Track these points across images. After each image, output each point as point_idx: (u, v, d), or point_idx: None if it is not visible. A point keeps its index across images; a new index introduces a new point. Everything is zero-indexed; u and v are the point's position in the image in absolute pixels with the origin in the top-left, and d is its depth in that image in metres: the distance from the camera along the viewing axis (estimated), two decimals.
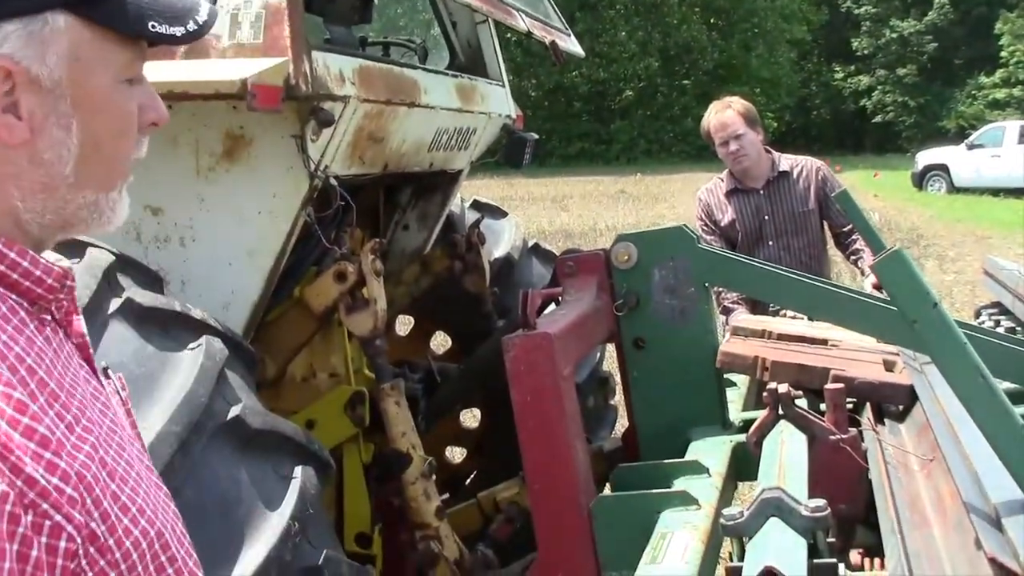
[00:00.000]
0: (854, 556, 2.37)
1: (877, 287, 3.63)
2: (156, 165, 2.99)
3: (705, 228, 5.30)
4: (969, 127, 41.76)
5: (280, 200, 2.99)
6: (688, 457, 2.76)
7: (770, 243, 5.17)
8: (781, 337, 3.38)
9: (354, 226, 3.40)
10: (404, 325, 4.95)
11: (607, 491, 2.89)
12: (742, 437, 2.83)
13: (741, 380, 3.44)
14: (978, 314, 3.74)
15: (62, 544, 0.98)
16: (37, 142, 1.12)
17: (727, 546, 2.77)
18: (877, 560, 2.27)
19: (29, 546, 0.95)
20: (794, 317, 3.73)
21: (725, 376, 3.23)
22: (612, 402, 4.66)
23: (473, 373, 4.02)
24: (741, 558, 2.01)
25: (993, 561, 1.44)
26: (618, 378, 3.48)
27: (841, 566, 2.02)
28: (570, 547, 2.60)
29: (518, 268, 4.54)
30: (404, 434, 3.29)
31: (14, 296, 1.11)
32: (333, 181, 3.04)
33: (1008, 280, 3.49)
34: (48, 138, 1.13)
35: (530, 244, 4.72)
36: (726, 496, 2.64)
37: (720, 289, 4.77)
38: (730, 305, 5.04)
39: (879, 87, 56.13)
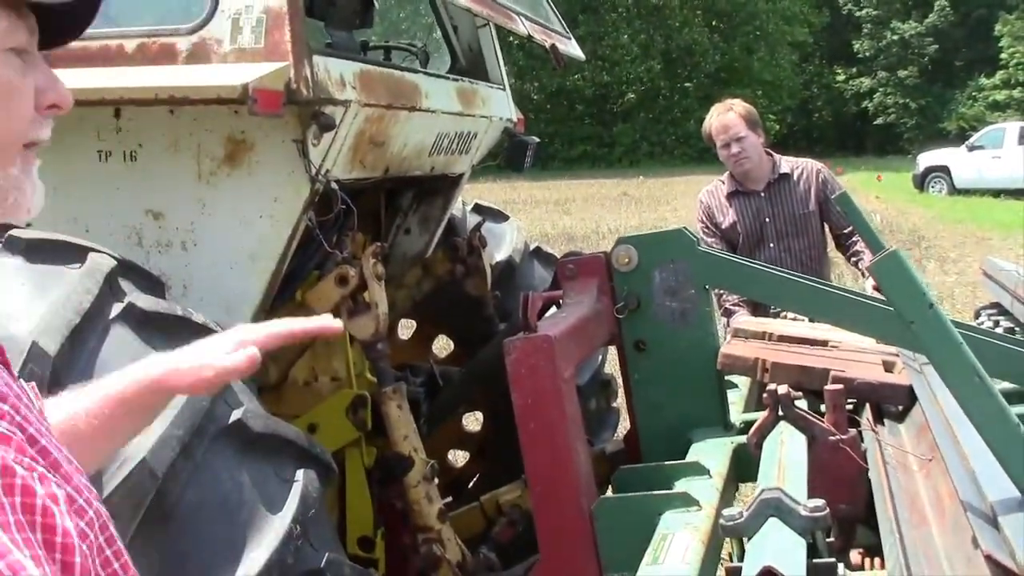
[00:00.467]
0: (854, 556, 2.38)
1: (878, 289, 3.64)
2: (157, 170, 3.02)
3: (706, 230, 5.31)
4: (970, 128, 41.76)
5: (281, 204, 3.00)
6: (689, 459, 2.77)
7: (771, 245, 5.18)
8: (781, 339, 3.39)
9: (355, 230, 3.41)
10: (406, 329, 4.96)
11: (609, 493, 2.90)
12: (743, 438, 2.84)
13: (742, 382, 3.44)
14: (977, 315, 3.75)
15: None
16: None
17: (727, 546, 2.79)
18: (877, 560, 2.28)
19: None
20: (794, 319, 3.74)
21: (726, 378, 3.24)
22: (614, 404, 4.67)
23: (475, 376, 4.03)
24: (741, 558, 2.02)
25: (989, 559, 1.45)
26: (620, 380, 3.49)
27: (840, 566, 2.03)
28: (572, 549, 2.61)
29: (519, 271, 4.55)
30: (406, 437, 3.30)
31: None
32: (334, 185, 3.05)
33: (1007, 281, 3.50)
34: None
35: (532, 247, 4.73)
36: (727, 497, 2.65)
37: (721, 291, 4.78)
38: (731, 307, 5.05)
39: (880, 89, 56.16)
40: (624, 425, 4.04)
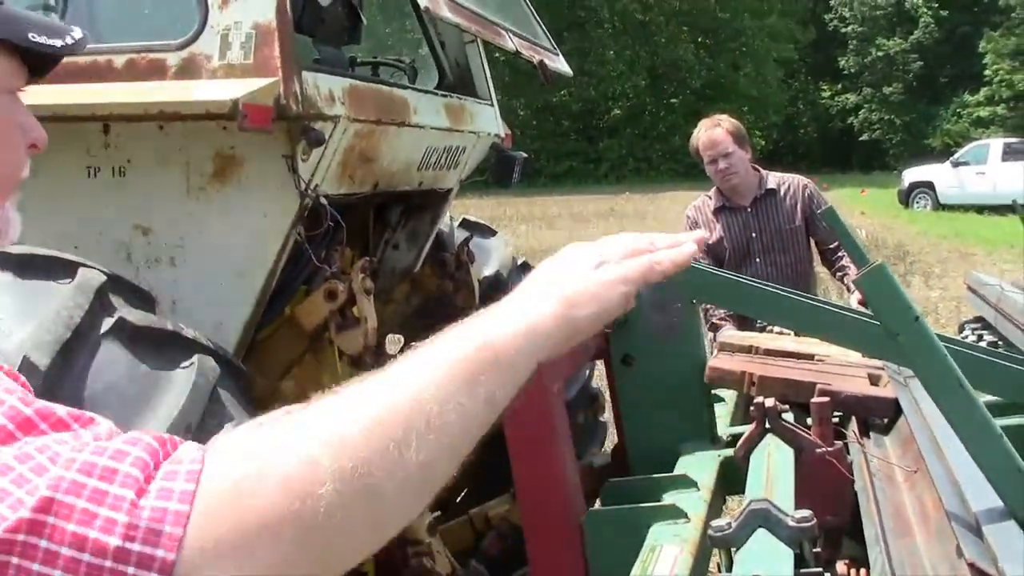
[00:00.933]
0: (840, 566, 2.39)
1: (863, 303, 3.66)
2: (147, 185, 3.03)
3: None
4: (954, 145, 41.97)
5: (270, 220, 3.02)
6: (677, 471, 2.78)
7: (757, 260, 5.21)
8: (768, 352, 3.41)
9: (344, 245, 3.42)
10: (394, 344, 4.96)
11: (598, 506, 2.91)
12: (730, 451, 2.85)
13: (729, 395, 3.46)
14: (961, 328, 3.77)
15: None
16: None
17: (716, 557, 2.79)
18: (863, 570, 2.29)
19: None
20: (781, 333, 3.76)
21: (713, 391, 3.26)
22: (602, 418, 4.69)
23: None
24: (729, 569, 2.03)
25: (973, 567, 1.47)
26: (607, 395, 3.50)
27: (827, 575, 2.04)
28: (561, 561, 2.61)
29: (508, 286, 4.55)
30: None
31: None
32: (323, 200, 3.07)
33: (990, 295, 3.52)
34: None
35: (519, 262, 4.75)
36: (715, 509, 2.66)
37: (708, 306, 4.80)
38: (718, 322, 5.07)
39: (865, 105, 56.46)
40: (612, 439, 4.05)
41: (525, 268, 4.74)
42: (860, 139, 56.42)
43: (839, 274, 5.29)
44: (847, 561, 2.40)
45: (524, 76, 42.09)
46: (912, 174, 32.30)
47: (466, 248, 4.15)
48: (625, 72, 53.10)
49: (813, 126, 59.78)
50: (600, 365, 3.50)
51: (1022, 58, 47.97)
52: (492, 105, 4.34)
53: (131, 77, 2.93)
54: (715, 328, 5.06)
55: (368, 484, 0.85)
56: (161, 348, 2.52)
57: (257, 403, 3.29)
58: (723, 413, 3.34)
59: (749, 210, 5.27)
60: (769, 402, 2.69)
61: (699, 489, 2.61)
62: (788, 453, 2.58)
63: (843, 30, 57.78)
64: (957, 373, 1.76)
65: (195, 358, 2.53)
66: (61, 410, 0.83)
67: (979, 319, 3.72)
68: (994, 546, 1.48)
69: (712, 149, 5.23)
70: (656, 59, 54.09)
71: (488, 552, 3.64)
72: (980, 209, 27.68)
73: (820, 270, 5.71)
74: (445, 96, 3.98)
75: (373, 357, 3.33)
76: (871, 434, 2.72)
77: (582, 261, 1.16)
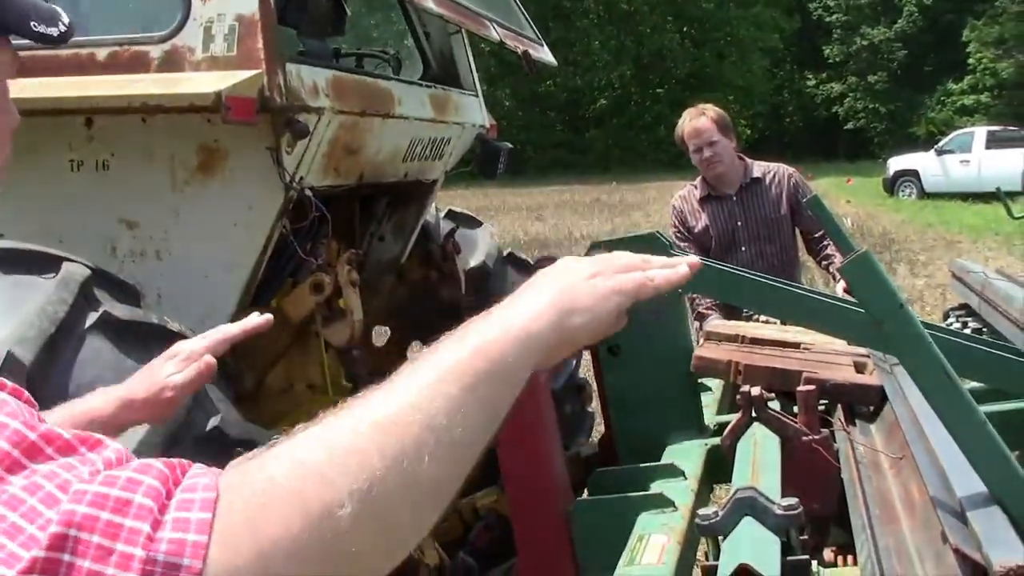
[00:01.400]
0: (827, 554, 2.40)
1: (848, 291, 3.67)
2: (131, 179, 3.01)
3: (679, 235, 5.34)
4: (939, 133, 42.07)
5: (255, 212, 3.01)
6: (664, 461, 2.79)
7: (743, 249, 5.21)
8: (754, 341, 3.41)
9: (330, 237, 3.42)
10: (381, 335, 4.96)
11: (585, 495, 2.92)
12: (717, 440, 2.86)
13: (715, 384, 3.47)
14: (946, 316, 3.79)
15: None
16: None
17: (703, 546, 2.81)
18: (849, 557, 2.30)
19: None
20: (767, 321, 3.76)
21: (700, 380, 3.26)
22: (589, 408, 4.70)
23: None
24: (717, 557, 2.04)
25: (958, 552, 1.48)
26: (594, 384, 3.51)
27: (814, 563, 2.05)
28: (549, 552, 2.62)
29: (493, 277, 4.57)
30: None
31: None
32: (308, 192, 3.06)
33: (974, 283, 3.54)
34: None
35: (505, 253, 4.75)
36: (702, 498, 2.66)
37: (693, 295, 4.81)
38: (704, 311, 5.08)
39: (851, 94, 56.57)
40: (599, 428, 4.06)
41: (511, 259, 4.74)
42: (845, 128, 56.55)
43: (824, 262, 5.31)
44: (834, 548, 2.41)
45: (510, 67, 42.06)
46: (897, 162, 32.37)
47: (452, 239, 4.16)
48: (611, 62, 53.12)
49: (798, 115, 59.88)
50: (587, 355, 3.50)
51: (1005, 46, 48.13)
52: (477, 96, 4.34)
53: (114, 70, 2.91)
54: (701, 317, 5.07)
55: (383, 502, 0.85)
56: (146, 342, 2.51)
57: (244, 396, 3.29)
58: (710, 402, 3.35)
59: (735, 199, 5.27)
60: (755, 391, 2.70)
61: (686, 478, 2.62)
62: (774, 441, 2.58)
63: (828, 19, 57.85)
64: (942, 360, 1.77)
65: None
66: (67, 433, 0.81)
67: (964, 306, 3.74)
68: (979, 532, 1.48)
69: (697, 138, 5.24)
70: (641, 49, 54.10)
71: (476, 543, 3.64)
72: (965, 197, 27.75)
73: (806, 259, 5.72)
74: (430, 87, 3.97)
75: (359, 349, 3.33)
76: (857, 422, 2.73)
77: (577, 272, 1.17)
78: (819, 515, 2.47)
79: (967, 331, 3.26)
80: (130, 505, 0.76)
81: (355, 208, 4.12)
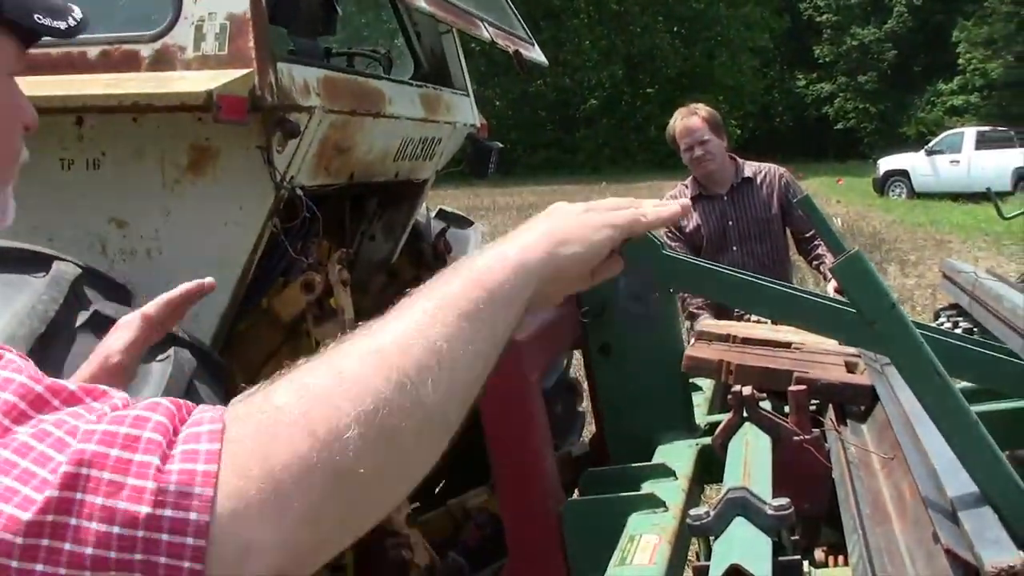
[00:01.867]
0: (819, 554, 2.40)
1: (839, 291, 3.67)
2: (122, 178, 3.01)
3: (670, 234, 5.34)
4: (929, 133, 42.18)
5: (246, 211, 3.00)
6: (655, 460, 2.79)
7: (734, 248, 5.22)
8: (745, 341, 3.41)
9: (321, 236, 3.41)
10: None
11: (576, 495, 2.91)
12: (708, 440, 2.86)
13: (706, 384, 3.47)
14: (937, 316, 3.79)
15: None
16: None
17: (694, 546, 2.81)
18: (841, 557, 2.30)
19: None
20: (758, 321, 3.77)
21: (691, 380, 3.26)
22: (580, 408, 4.69)
23: None
24: (708, 557, 2.03)
25: (949, 552, 1.48)
26: (585, 384, 3.51)
27: (805, 563, 2.05)
28: (540, 551, 2.62)
29: None
30: None
31: None
32: (299, 192, 3.06)
33: (964, 283, 3.54)
34: None
35: None
36: (693, 498, 2.66)
37: (685, 295, 4.82)
38: (695, 310, 5.08)
39: (841, 94, 56.67)
40: (590, 428, 4.06)
41: None
42: (835, 128, 56.64)
43: (815, 262, 5.32)
44: (825, 548, 2.41)
45: (500, 66, 42.08)
46: (887, 162, 32.45)
47: (443, 239, 4.16)
48: (601, 62, 53.16)
49: (789, 115, 59.97)
50: (578, 355, 3.50)
51: (995, 47, 48.27)
52: (468, 95, 4.33)
53: (105, 69, 2.91)
54: (693, 317, 5.08)
55: (390, 426, 0.85)
56: None
57: (235, 394, 3.28)
58: (701, 402, 3.35)
59: (726, 199, 5.28)
60: (746, 390, 2.70)
61: (677, 478, 2.62)
62: (766, 441, 2.58)
63: (818, 19, 57.94)
64: (933, 360, 1.77)
65: (171, 351, 2.52)
66: (72, 384, 0.82)
67: (954, 306, 3.74)
68: (970, 532, 1.49)
69: (688, 136, 5.25)
70: (632, 48, 54.16)
71: (467, 543, 3.64)
72: (955, 197, 27.83)
73: (797, 258, 5.73)
74: (421, 86, 3.96)
75: None
76: (848, 421, 2.74)
77: (570, 210, 1.21)
78: (810, 515, 2.47)
79: (958, 331, 3.26)
80: (139, 441, 0.76)
81: (346, 207, 4.12)
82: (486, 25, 3.75)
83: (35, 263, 2.51)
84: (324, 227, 3.35)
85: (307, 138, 3.02)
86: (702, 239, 5.27)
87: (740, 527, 1.97)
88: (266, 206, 2.98)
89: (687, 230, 5.31)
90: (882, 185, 31.77)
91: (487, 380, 1.02)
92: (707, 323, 4.25)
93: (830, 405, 2.83)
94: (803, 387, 2.70)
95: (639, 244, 3.15)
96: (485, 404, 2.67)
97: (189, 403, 0.85)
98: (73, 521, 0.72)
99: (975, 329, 3.29)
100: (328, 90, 3.13)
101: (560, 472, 2.94)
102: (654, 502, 2.42)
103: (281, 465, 0.79)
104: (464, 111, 4.23)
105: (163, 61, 2.88)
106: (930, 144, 31.94)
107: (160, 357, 2.50)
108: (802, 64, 58.82)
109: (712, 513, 2.01)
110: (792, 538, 2.26)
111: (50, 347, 2.34)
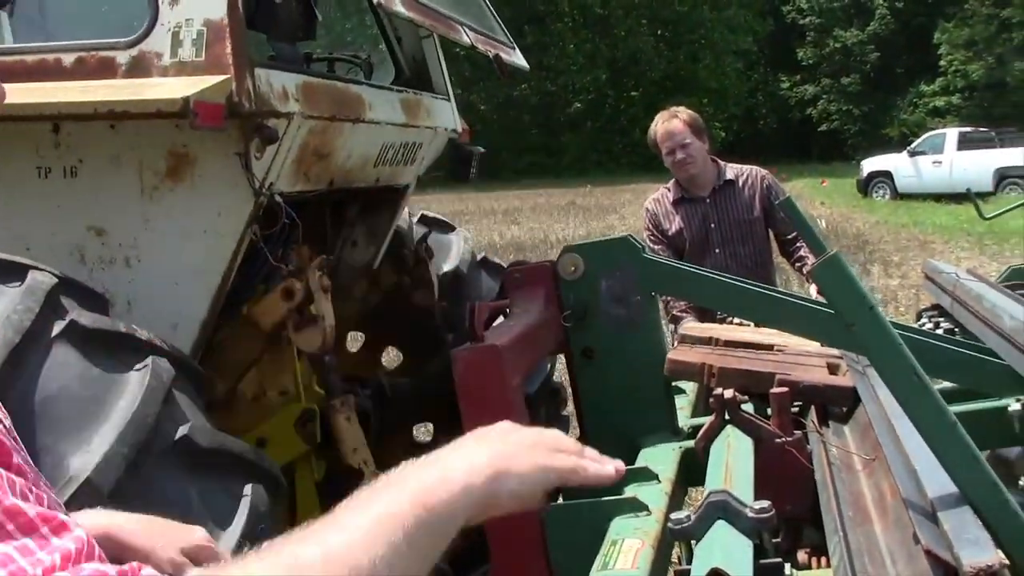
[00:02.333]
0: (801, 555, 2.40)
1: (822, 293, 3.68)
2: (99, 185, 2.98)
3: (653, 238, 5.35)
4: (911, 134, 42.34)
5: (225, 218, 2.98)
6: (638, 464, 2.78)
7: (717, 251, 5.23)
8: (728, 343, 3.42)
9: (301, 243, 3.39)
10: (355, 341, 4.94)
11: (560, 500, 2.91)
12: (691, 443, 2.86)
13: (689, 387, 3.47)
14: (919, 316, 3.80)
15: None
16: None
17: (677, 550, 2.80)
18: (824, 558, 2.30)
19: None
20: (741, 323, 3.77)
21: (674, 383, 3.26)
22: (564, 413, 4.68)
23: (424, 387, 4.03)
24: (690, 561, 2.03)
25: (929, 554, 1.48)
26: (569, 388, 3.50)
27: (787, 565, 2.05)
28: (523, 556, 2.61)
29: (467, 281, 4.55)
30: (355, 450, 3.29)
31: None
32: (278, 198, 3.04)
33: (946, 283, 3.55)
34: None
35: (479, 257, 4.73)
36: (676, 501, 2.66)
37: (668, 298, 4.82)
38: (678, 314, 5.08)
39: (824, 96, 56.85)
40: (575, 432, 4.05)
41: (484, 263, 4.72)
42: (819, 130, 56.81)
43: (798, 264, 5.33)
44: (807, 550, 2.41)
45: (485, 71, 42.03)
46: (870, 164, 32.57)
47: (424, 244, 4.14)
48: (585, 65, 53.26)
49: (772, 117, 60.16)
50: (561, 359, 3.49)
51: (976, 48, 48.53)
52: (449, 100, 4.32)
53: (81, 76, 2.88)
54: (676, 320, 5.08)
55: None
56: (114, 350, 2.49)
57: (215, 404, 3.27)
58: (684, 404, 3.35)
59: (708, 201, 5.29)
60: (728, 393, 2.70)
61: (660, 481, 2.61)
62: (748, 444, 2.58)
63: (801, 22, 58.13)
64: (911, 361, 1.77)
65: (149, 360, 2.50)
66: (32, 511, 0.81)
67: (936, 307, 3.75)
68: (949, 532, 1.48)
69: (670, 139, 5.26)
70: (616, 52, 54.26)
71: (450, 549, 3.63)
72: (938, 197, 27.93)
73: (781, 261, 5.74)
74: (401, 91, 3.95)
75: (332, 355, 3.31)
76: (830, 423, 2.74)
77: (519, 439, 1.20)
78: (792, 517, 2.47)
79: (939, 331, 3.27)
80: None
81: (327, 213, 4.10)
82: (466, 29, 3.74)
83: (10, 272, 2.49)
84: (304, 233, 3.33)
85: (286, 144, 3.01)
86: (684, 242, 5.28)
87: (721, 530, 1.96)
88: (245, 213, 2.96)
89: (669, 233, 5.32)
90: (865, 186, 31.89)
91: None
92: (690, 326, 4.25)
93: (812, 407, 2.83)
94: (785, 389, 2.70)
95: (621, 248, 3.14)
96: (466, 409, 2.66)
97: (135, 567, 0.85)
98: None
99: (956, 329, 3.29)
100: (307, 96, 3.11)
101: None
102: (637, 506, 2.42)
103: None
104: (445, 116, 4.22)
105: (140, 68, 2.86)
106: (913, 145, 32.07)
107: (137, 366, 2.47)
108: (786, 66, 58.99)
109: (693, 517, 2.01)
110: (774, 540, 2.26)
111: (25, 358, 2.32)
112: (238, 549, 2.30)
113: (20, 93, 2.77)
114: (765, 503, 1.99)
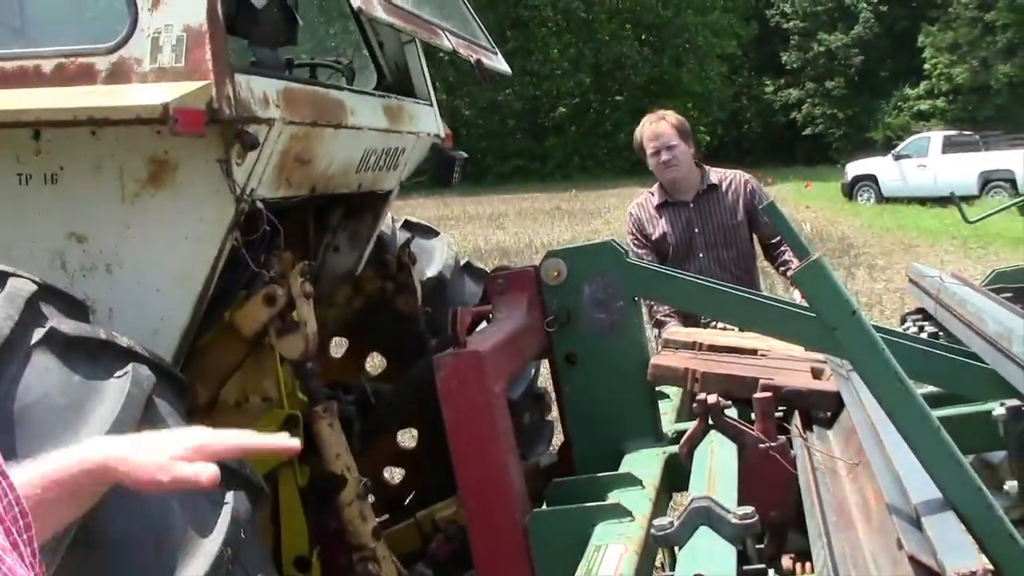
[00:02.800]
0: (785, 561, 2.40)
1: None
2: (80, 192, 2.96)
3: (636, 242, 5.34)
4: (896, 138, 42.48)
5: (207, 225, 2.97)
6: (622, 470, 2.78)
7: (700, 255, 5.23)
8: (711, 348, 3.42)
9: (283, 249, 3.38)
10: (338, 347, 4.93)
11: (544, 506, 2.90)
12: (675, 448, 2.86)
13: (673, 392, 3.47)
14: (903, 320, 3.81)
15: None
16: None
17: (660, 555, 2.79)
18: (808, 564, 2.30)
19: None
20: (724, 328, 3.77)
21: (658, 388, 3.26)
22: (548, 418, 4.68)
23: (408, 393, 4.02)
24: (674, 567, 2.02)
25: (913, 559, 1.48)
26: (553, 393, 3.49)
27: (771, 571, 2.05)
28: (507, 563, 2.61)
29: (450, 287, 4.54)
30: (338, 456, 3.27)
31: None
32: (260, 204, 3.02)
33: (930, 287, 3.56)
34: None
35: (462, 263, 4.72)
36: (660, 507, 2.66)
37: (652, 303, 4.82)
38: (662, 318, 5.08)
39: (808, 100, 56.98)
40: (560, 438, 4.05)
41: (468, 269, 4.71)
42: (803, 134, 56.94)
43: (782, 268, 5.34)
44: (791, 555, 2.41)
45: (469, 76, 42.04)
46: (855, 167, 32.66)
47: (408, 250, 4.13)
48: (569, 70, 53.28)
49: (757, 121, 60.26)
50: (546, 365, 3.49)
51: (960, 52, 48.75)
52: (432, 105, 4.31)
53: (60, 82, 2.86)
54: (660, 324, 5.08)
55: None
56: (94, 357, 2.47)
57: (198, 410, 3.25)
58: (668, 409, 3.35)
59: (691, 206, 5.29)
60: (712, 398, 2.70)
61: (644, 487, 2.62)
62: (731, 449, 2.58)
63: (785, 26, 58.26)
64: (894, 366, 1.77)
65: (130, 367, 2.48)
66: None
67: (920, 310, 3.75)
68: (933, 538, 1.48)
69: (656, 141, 5.27)
70: (600, 56, 54.30)
71: (435, 555, 3.62)
72: (922, 201, 28.03)
73: (765, 265, 5.74)
74: (383, 97, 3.94)
75: (314, 361, 3.29)
76: (814, 427, 2.74)
77: None
78: (777, 522, 2.47)
79: (923, 335, 3.27)
80: None
81: (309, 219, 4.08)
82: (447, 34, 3.73)
83: None
84: (287, 239, 3.31)
85: (267, 150, 2.99)
86: (668, 246, 5.28)
87: (704, 537, 1.96)
88: (226, 219, 2.95)
89: (653, 237, 5.32)
90: (850, 190, 31.97)
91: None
92: (674, 330, 4.25)
93: (796, 412, 2.83)
94: (769, 394, 2.70)
95: (604, 253, 3.14)
96: (449, 415, 2.66)
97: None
98: None
99: (940, 333, 3.30)
100: (288, 101, 3.10)
101: (528, 483, 2.92)
102: (620, 512, 2.41)
103: None
104: (428, 121, 4.21)
105: (120, 74, 2.84)
106: (897, 149, 32.17)
107: (118, 374, 2.45)
108: (770, 70, 59.14)
109: (676, 523, 2.00)
110: (758, 546, 2.26)
111: (5, 365, 2.30)
112: (219, 557, 2.29)
113: (0, 99, 2.75)
114: (749, 509, 1.99)
